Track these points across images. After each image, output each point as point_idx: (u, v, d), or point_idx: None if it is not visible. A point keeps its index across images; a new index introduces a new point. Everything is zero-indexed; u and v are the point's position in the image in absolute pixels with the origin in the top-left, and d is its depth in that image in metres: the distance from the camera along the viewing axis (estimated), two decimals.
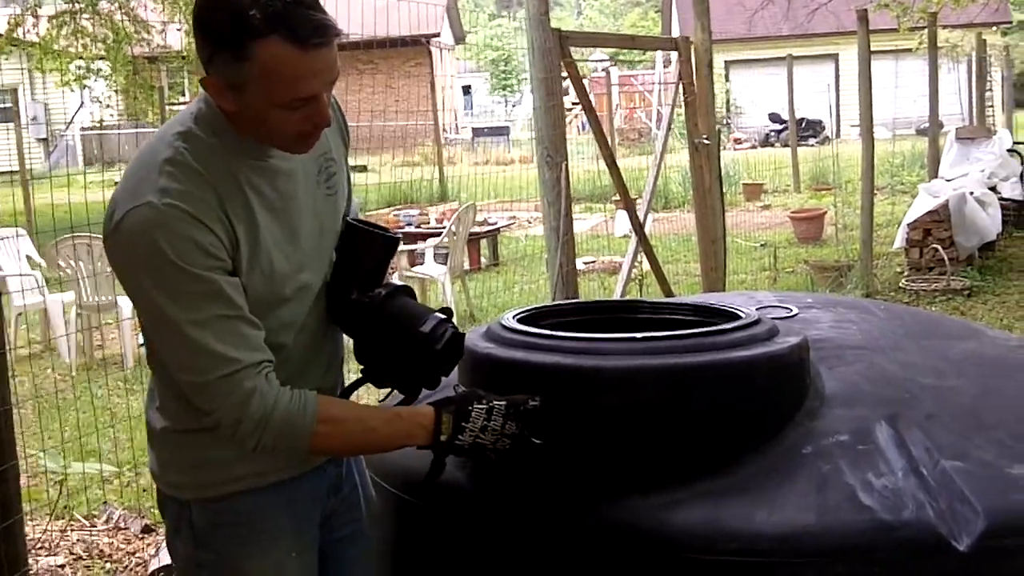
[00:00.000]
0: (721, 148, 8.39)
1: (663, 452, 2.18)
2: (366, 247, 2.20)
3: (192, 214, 1.91)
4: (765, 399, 2.25)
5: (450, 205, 14.63)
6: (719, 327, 2.28)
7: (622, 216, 15.22)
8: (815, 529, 2.04)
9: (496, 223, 13.37)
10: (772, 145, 30.04)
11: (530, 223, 15.91)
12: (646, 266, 7.00)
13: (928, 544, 2.03)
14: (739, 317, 2.39)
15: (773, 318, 2.49)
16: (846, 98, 29.79)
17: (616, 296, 6.09)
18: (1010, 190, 12.07)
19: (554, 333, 2.30)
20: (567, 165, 5.25)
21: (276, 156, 2.04)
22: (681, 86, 6.44)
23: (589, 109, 5.69)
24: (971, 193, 10.31)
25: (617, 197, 17.77)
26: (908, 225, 10.29)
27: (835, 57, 32.48)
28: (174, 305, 1.93)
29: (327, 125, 2.01)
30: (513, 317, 2.48)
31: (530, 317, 2.52)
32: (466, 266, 11.46)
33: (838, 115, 26.44)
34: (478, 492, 2.26)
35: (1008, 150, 12.28)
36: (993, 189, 11.43)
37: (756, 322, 2.33)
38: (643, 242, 6.06)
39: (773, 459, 2.20)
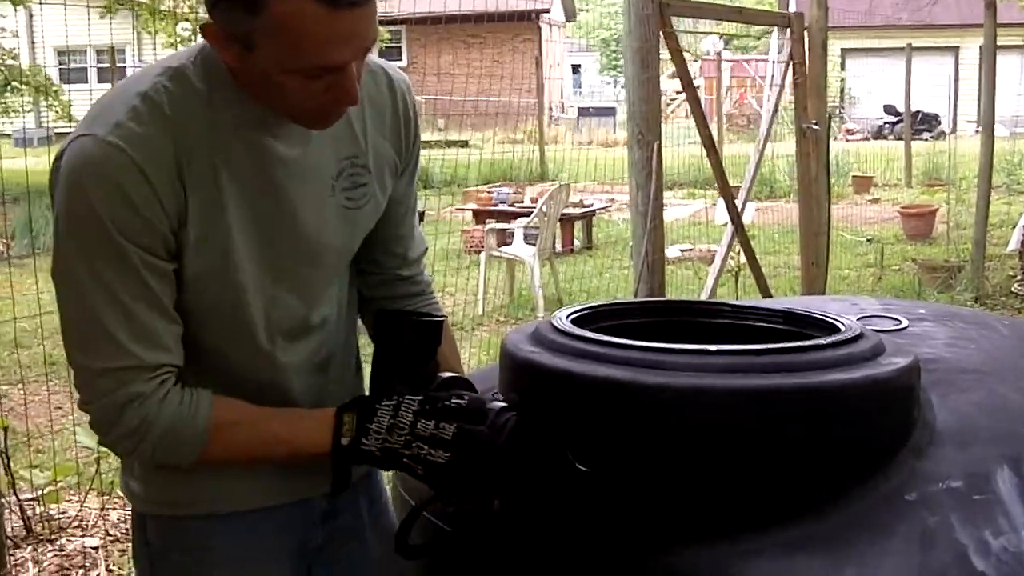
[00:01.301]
0: (832, 138, 7.94)
1: (736, 491, 1.81)
2: (395, 330, 1.87)
3: (137, 164, 1.56)
4: (864, 432, 1.87)
5: (548, 185, 14.29)
6: (812, 342, 1.91)
7: (723, 204, 14.80)
8: None
9: (592, 205, 12.99)
10: (885, 138, 29.21)
11: (628, 206, 15.53)
12: (743, 258, 6.60)
13: None
14: (838, 330, 2.00)
15: (878, 331, 2.10)
16: (964, 93, 28.84)
17: (707, 289, 5.70)
18: None
19: (611, 339, 1.93)
20: (660, 145, 4.86)
21: (283, 136, 1.69)
22: (792, 66, 5.99)
23: (688, 85, 5.29)
24: None
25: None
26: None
27: (955, 50, 31.48)
28: (82, 263, 1.60)
29: (354, 103, 1.63)
30: (567, 316, 2.12)
31: (587, 317, 2.16)
32: (558, 248, 11.10)
33: (955, 110, 25.58)
34: (514, 526, 1.92)
35: None
36: None
37: (858, 337, 1.94)
38: (740, 232, 5.66)
39: (870, 506, 1.82)
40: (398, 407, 1.71)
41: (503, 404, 1.79)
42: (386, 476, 2.11)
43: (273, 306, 1.76)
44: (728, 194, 5.64)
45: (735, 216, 5.65)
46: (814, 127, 6.25)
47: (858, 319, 2.23)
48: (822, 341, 1.91)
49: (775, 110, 6.71)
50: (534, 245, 9.80)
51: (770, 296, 6.27)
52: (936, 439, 1.96)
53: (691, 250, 11.62)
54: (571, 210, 11.66)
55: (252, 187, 1.67)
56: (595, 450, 1.80)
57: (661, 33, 4.79)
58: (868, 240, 12.79)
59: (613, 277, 10.18)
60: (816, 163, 6.33)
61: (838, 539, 1.77)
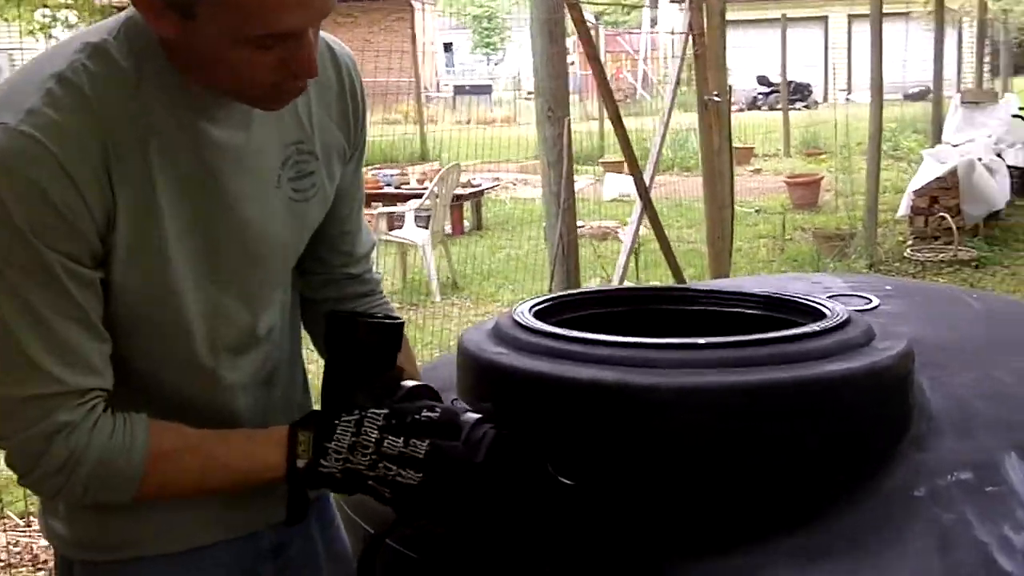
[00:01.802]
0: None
1: (737, 498, 1.65)
2: (350, 334, 1.62)
3: (57, 157, 1.32)
4: (866, 425, 1.72)
5: (431, 165, 14.06)
6: (804, 330, 1.75)
7: (611, 179, 14.74)
8: None
9: (480, 184, 12.80)
10: (759, 108, 29.53)
11: (514, 185, 15.38)
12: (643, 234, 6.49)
13: None
14: (823, 315, 1.85)
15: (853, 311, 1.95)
16: (834, 63, 29.29)
17: (619, 267, 5.56)
18: (1014, 157, 11.57)
19: (587, 336, 1.75)
20: (569, 121, 4.70)
21: (222, 120, 1.46)
22: (691, 38, 5.87)
23: (594, 59, 5.13)
24: (979, 159, 9.83)
25: (606, 159, 17.33)
26: (914, 192, 9.81)
27: (824, 20, 31.95)
28: None
29: (313, 74, 1.41)
30: (529, 310, 1.93)
31: (548, 310, 1.98)
32: (448, 230, 10.90)
33: (828, 79, 26.01)
34: (491, 543, 1.73)
35: (1013, 115, 11.75)
36: (998, 156, 10.94)
37: (847, 322, 1.79)
38: (648, 208, 5.52)
39: (879, 505, 1.67)
40: (360, 422, 1.49)
41: (477, 416, 1.59)
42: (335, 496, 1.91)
43: (215, 316, 1.54)
44: (636, 170, 5.50)
45: (643, 192, 5.51)
46: (716, 99, 6.15)
47: (827, 298, 2.09)
48: (814, 328, 1.76)
49: (677, 82, 6.60)
50: (426, 228, 9.57)
51: (680, 274, 6.16)
52: (935, 428, 1.82)
53: (583, 227, 11.50)
54: (460, 191, 11.45)
55: (189, 179, 1.44)
56: (580, 461, 1.63)
57: (565, 4, 4.61)
58: (757, 211, 12.84)
59: (508, 258, 10.01)
60: (719, 135, 6.24)
61: (851, 545, 1.62)
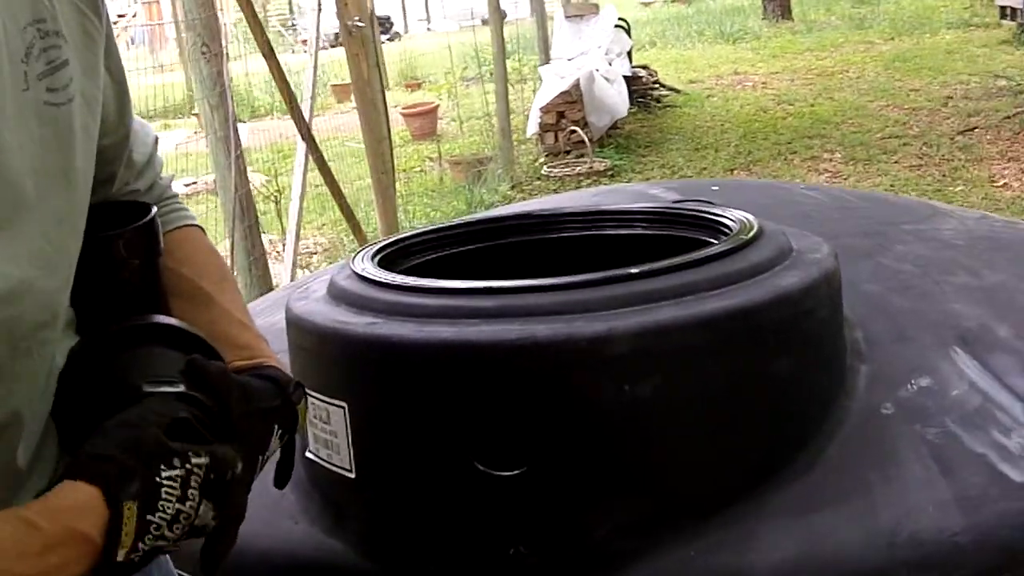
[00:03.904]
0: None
1: (725, 449, 1.35)
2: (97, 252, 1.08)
3: None
4: (828, 341, 1.47)
5: None
6: (740, 241, 1.46)
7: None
8: (970, 538, 1.30)
9: None
10: (324, 48, 29.21)
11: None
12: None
13: None
14: (725, 225, 1.58)
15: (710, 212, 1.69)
16: None
17: (292, 218, 5.11)
18: (620, 66, 11.87)
19: (475, 285, 1.39)
20: (227, 57, 4.20)
21: None
22: None
23: None
24: (597, 70, 9.97)
25: (199, 111, 16.48)
26: (540, 109, 9.82)
27: None
28: None
29: None
30: (372, 258, 1.55)
31: (392, 256, 1.60)
32: None
33: (404, 10, 26.12)
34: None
35: (615, 25, 12.03)
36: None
37: (761, 232, 1.52)
38: (314, 149, 5.09)
39: (855, 431, 1.43)
40: (187, 480, 0.94)
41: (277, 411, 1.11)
42: None
43: (8, 298, 0.92)
44: (298, 110, 5.05)
45: (305, 131, 5.08)
46: (359, 24, 5.76)
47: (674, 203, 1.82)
48: (747, 237, 1.48)
49: (320, 8, 6.16)
50: None
51: (353, 216, 5.79)
52: (867, 335, 1.60)
53: (195, 183, 10.75)
54: None
55: None
56: (495, 442, 1.28)
57: None
58: None
59: None
60: (366, 64, 5.86)
61: (849, 484, 1.37)
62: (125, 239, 1.08)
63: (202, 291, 1.19)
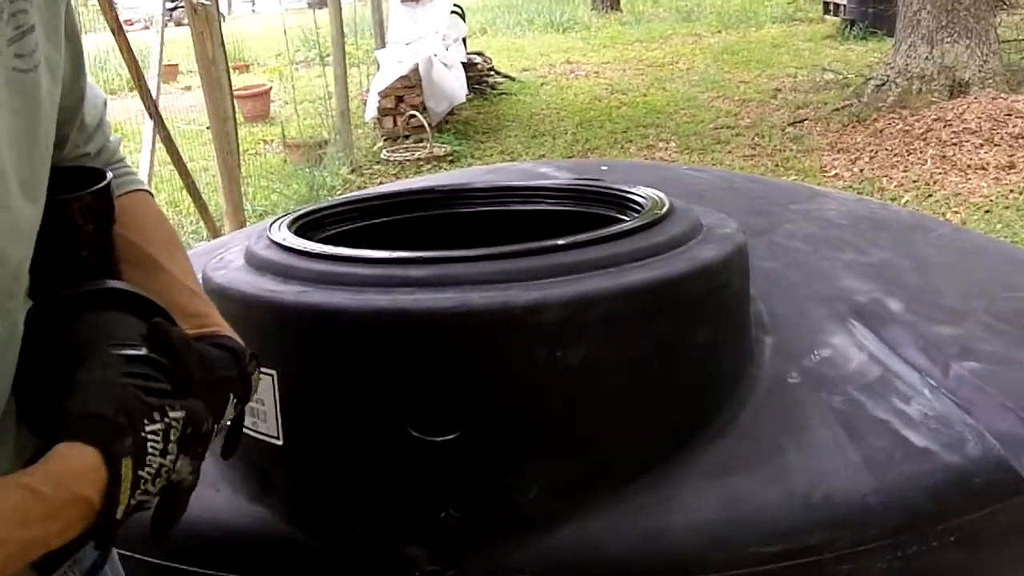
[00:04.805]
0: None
1: (625, 422, 1.40)
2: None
3: None
4: (735, 313, 1.53)
5: None
6: (656, 216, 1.51)
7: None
8: (879, 499, 1.37)
9: None
10: (166, 26, 28.48)
11: None
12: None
13: (1008, 485, 1.43)
14: (634, 201, 1.62)
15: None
16: None
17: None
18: (456, 51, 11.90)
19: (406, 255, 1.40)
20: None
21: None
22: None
23: None
24: (435, 55, 9.97)
25: None
26: (379, 93, 9.77)
27: None
28: None
29: None
30: (289, 227, 1.54)
31: (304, 228, 1.59)
32: None
33: None
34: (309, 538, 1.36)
35: (452, 11, 12.04)
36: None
37: (673, 208, 1.57)
38: (161, 128, 4.96)
39: (764, 398, 1.49)
40: (167, 432, 0.93)
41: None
42: None
43: None
44: (146, 87, 4.92)
45: (154, 111, 4.95)
46: (204, 2, 5.66)
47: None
48: (660, 212, 1.52)
49: None
50: None
51: (200, 196, 5.67)
52: (768, 309, 1.66)
53: None
54: None
55: None
56: (429, 408, 1.30)
57: None
58: (207, 127, 12.29)
59: None
60: (211, 42, 5.75)
61: (761, 448, 1.42)
62: (81, 204, 1.06)
63: (151, 258, 1.16)
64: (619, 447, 1.38)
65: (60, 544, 0.88)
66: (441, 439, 1.31)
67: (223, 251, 1.62)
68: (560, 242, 1.38)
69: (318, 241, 1.53)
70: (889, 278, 1.77)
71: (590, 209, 1.66)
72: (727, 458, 1.40)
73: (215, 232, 5.76)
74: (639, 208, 1.59)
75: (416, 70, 9.58)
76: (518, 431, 1.33)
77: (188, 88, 17.13)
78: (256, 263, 1.47)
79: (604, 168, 2.18)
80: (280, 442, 1.37)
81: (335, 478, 1.37)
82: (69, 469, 0.87)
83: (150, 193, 1.25)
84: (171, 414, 0.94)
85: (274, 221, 1.60)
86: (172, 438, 0.94)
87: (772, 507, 1.35)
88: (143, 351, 0.98)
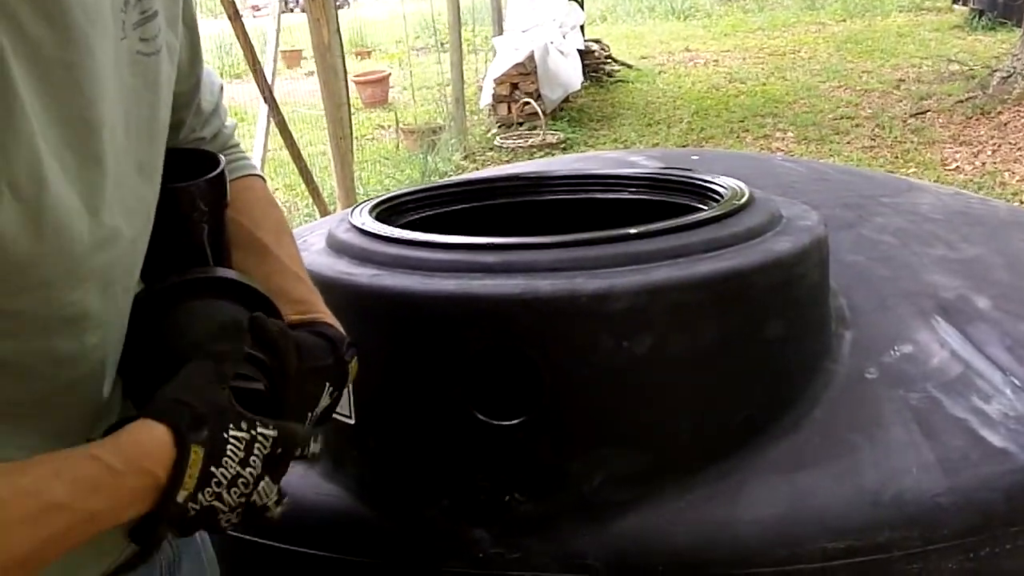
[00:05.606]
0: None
1: (702, 408, 1.39)
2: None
3: None
4: (815, 306, 1.51)
5: None
6: (734, 206, 1.50)
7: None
8: (951, 499, 1.34)
9: None
10: (291, 11, 28.92)
11: None
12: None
13: None
14: (714, 191, 1.61)
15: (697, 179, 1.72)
16: None
17: None
18: (573, 39, 11.89)
19: (477, 241, 1.41)
20: None
21: None
22: None
23: None
24: (551, 43, 9.98)
25: None
26: (494, 80, 9.82)
27: None
28: None
29: None
30: (371, 211, 1.57)
31: (387, 213, 1.62)
32: None
33: None
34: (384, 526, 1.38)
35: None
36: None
37: (753, 198, 1.55)
38: (275, 112, 5.06)
39: (840, 394, 1.47)
40: (251, 444, 0.96)
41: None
42: None
43: (103, 245, 0.92)
44: (261, 72, 5.02)
45: (268, 94, 5.05)
46: None
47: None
48: (739, 203, 1.51)
49: None
50: None
51: (312, 180, 5.77)
52: (851, 303, 1.64)
53: None
54: None
55: (39, 47, 0.87)
56: (496, 392, 1.32)
57: None
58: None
59: None
60: (327, 28, 5.83)
61: (834, 445, 1.40)
62: (198, 190, 1.09)
63: (259, 242, 1.19)
64: (685, 437, 1.38)
65: (130, 517, 0.90)
66: (507, 424, 1.32)
67: (307, 234, 1.66)
68: (631, 231, 1.38)
69: (398, 226, 1.55)
70: (978, 274, 1.73)
71: (671, 198, 1.66)
72: (798, 452, 1.39)
73: (326, 215, 5.86)
74: (719, 198, 1.58)
75: (531, 57, 9.60)
76: (583, 418, 1.33)
77: (311, 73, 17.40)
78: (336, 246, 1.50)
79: (695, 157, 2.17)
80: (352, 421, 1.39)
81: (403, 459, 1.39)
82: (138, 443, 0.90)
83: (262, 178, 1.28)
84: (259, 429, 0.96)
85: (357, 206, 1.62)
86: (256, 451, 0.96)
87: (841, 503, 1.34)
88: (243, 345, 1.01)
